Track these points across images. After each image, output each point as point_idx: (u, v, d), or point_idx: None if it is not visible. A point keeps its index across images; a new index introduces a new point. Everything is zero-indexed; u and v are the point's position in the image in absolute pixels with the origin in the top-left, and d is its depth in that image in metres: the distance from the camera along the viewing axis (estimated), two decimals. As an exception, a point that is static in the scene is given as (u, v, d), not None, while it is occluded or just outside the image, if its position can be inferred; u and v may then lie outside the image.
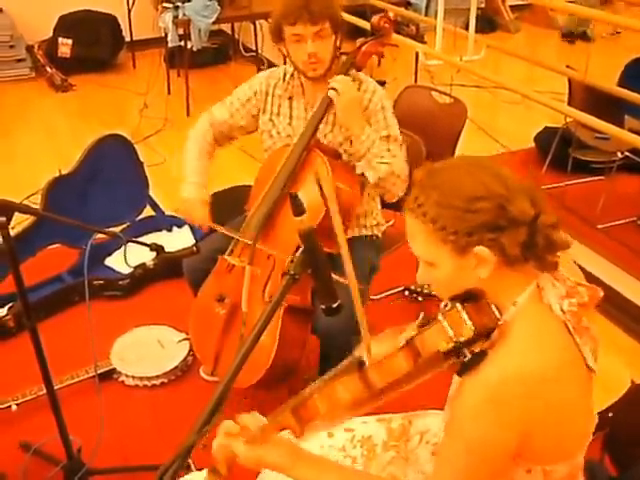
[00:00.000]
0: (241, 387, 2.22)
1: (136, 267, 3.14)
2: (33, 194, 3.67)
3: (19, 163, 4.45)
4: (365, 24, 3.20)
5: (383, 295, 3.12)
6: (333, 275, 1.42)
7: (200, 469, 2.04)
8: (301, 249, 1.39)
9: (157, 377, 2.66)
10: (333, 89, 2.20)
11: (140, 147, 3.73)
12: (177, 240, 3.32)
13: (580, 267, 1.39)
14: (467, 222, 1.19)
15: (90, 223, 2.25)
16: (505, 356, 1.20)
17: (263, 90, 2.42)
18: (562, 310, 1.25)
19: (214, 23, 5.22)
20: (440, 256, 1.24)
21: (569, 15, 6.84)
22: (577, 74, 3.79)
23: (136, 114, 5.00)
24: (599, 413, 1.39)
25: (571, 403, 1.25)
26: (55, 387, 1.98)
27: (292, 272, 1.38)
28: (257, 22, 5.92)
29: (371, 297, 2.78)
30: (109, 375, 2.67)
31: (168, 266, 3.08)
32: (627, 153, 3.76)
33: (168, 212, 3.53)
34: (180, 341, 2.78)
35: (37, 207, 3.06)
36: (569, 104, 3.76)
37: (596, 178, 4.06)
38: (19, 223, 2.96)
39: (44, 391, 1.98)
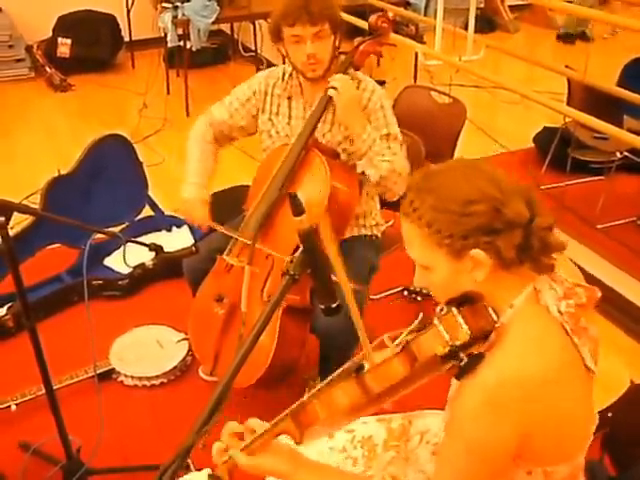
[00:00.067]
0: (240, 387, 2.22)
1: (135, 267, 3.14)
2: (32, 194, 3.67)
3: (18, 163, 4.45)
4: (364, 24, 3.20)
5: (382, 295, 3.12)
6: (332, 276, 1.42)
7: (199, 469, 2.04)
8: (300, 249, 1.39)
9: (156, 377, 2.66)
10: (333, 88, 2.20)
11: (139, 147, 3.73)
12: (176, 240, 3.32)
13: (579, 267, 1.39)
14: (462, 225, 1.20)
15: (90, 223, 2.25)
16: (502, 358, 1.20)
17: (262, 90, 2.42)
18: (559, 311, 1.25)
19: (213, 23, 5.22)
20: (436, 260, 1.25)
21: (567, 15, 6.85)
22: (576, 74, 3.79)
23: (135, 114, 5.00)
24: (599, 413, 1.39)
25: (571, 404, 1.25)
26: (54, 387, 1.98)
27: (292, 272, 1.38)
28: (256, 22, 5.92)
29: (370, 297, 2.78)
30: (108, 375, 2.67)
31: (167, 266, 3.08)
32: (626, 153, 3.76)
33: (167, 212, 3.53)
34: (179, 341, 2.78)
35: (36, 207, 3.05)
36: (568, 104, 3.76)
37: (595, 178, 4.06)
38: (18, 223, 2.96)
39: (43, 391, 1.97)
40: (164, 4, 5.11)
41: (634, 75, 4.16)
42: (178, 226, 3.46)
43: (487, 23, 7.07)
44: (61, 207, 2.93)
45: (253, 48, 6.20)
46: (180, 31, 5.17)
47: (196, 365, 2.71)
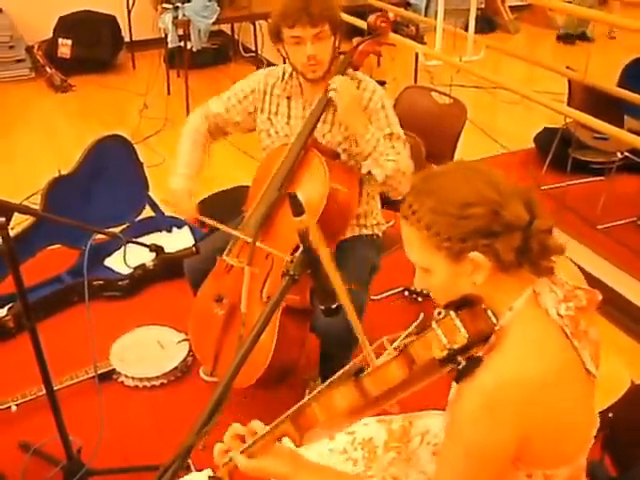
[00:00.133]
0: (240, 387, 2.21)
1: (136, 268, 3.14)
2: (33, 194, 3.67)
3: (19, 163, 4.45)
4: (363, 24, 3.19)
5: (383, 295, 3.12)
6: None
7: (200, 470, 2.04)
8: (300, 249, 1.39)
9: (157, 378, 2.66)
10: (333, 89, 2.20)
11: (140, 147, 3.74)
12: (177, 241, 3.32)
13: (579, 267, 1.39)
14: (460, 228, 1.19)
15: (90, 223, 2.25)
16: (501, 361, 1.20)
17: (261, 89, 2.42)
18: (559, 314, 1.24)
19: (214, 24, 5.22)
20: (435, 262, 1.25)
21: (567, 16, 6.85)
22: (576, 74, 3.79)
23: (136, 114, 5.00)
24: (599, 414, 1.39)
25: (570, 407, 1.25)
26: (55, 388, 1.98)
27: (291, 272, 1.38)
28: (257, 22, 5.92)
29: (371, 297, 2.78)
30: (109, 376, 2.67)
31: (168, 267, 3.08)
32: (627, 153, 3.76)
33: (168, 213, 3.53)
34: (180, 342, 2.78)
35: (37, 208, 3.05)
36: (569, 104, 3.76)
37: (596, 178, 4.06)
38: (19, 224, 2.96)
39: (44, 392, 1.97)
40: (164, 5, 5.11)
41: (634, 75, 4.17)
42: (179, 227, 3.46)
43: (487, 23, 7.08)
44: (61, 207, 2.93)
45: (253, 48, 6.20)
46: (180, 32, 5.17)
47: (197, 366, 2.71)
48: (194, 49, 5.24)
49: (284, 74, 2.40)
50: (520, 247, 1.20)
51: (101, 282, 3.13)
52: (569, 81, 3.85)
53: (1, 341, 2.85)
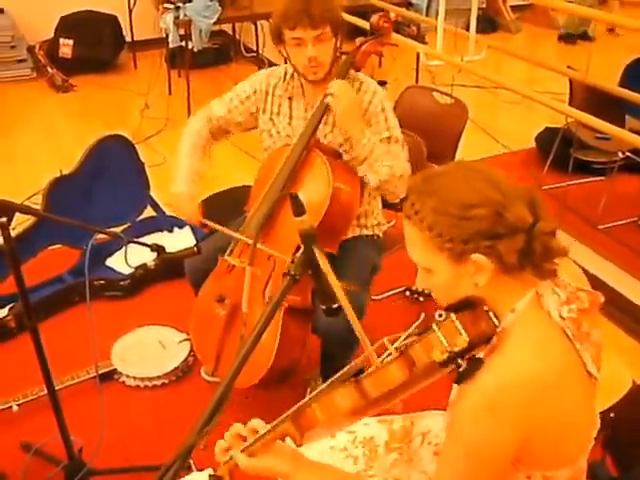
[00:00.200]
0: (242, 387, 2.21)
1: (137, 267, 3.14)
2: (34, 194, 3.67)
3: (20, 163, 4.45)
4: (365, 24, 3.20)
5: (384, 295, 3.12)
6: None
7: (201, 469, 2.04)
8: (302, 249, 1.39)
9: (158, 377, 2.66)
10: (330, 94, 2.19)
11: (141, 147, 3.74)
12: (178, 240, 3.32)
13: (580, 267, 1.39)
14: (463, 229, 1.19)
15: (92, 223, 2.25)
16: (502, 363, 1.20)
17: (263, 90, 2.42)
18: (561, 317, 1.24)
19: (215, 23, 5.23)
20: (437, 263, 1.24)
21: (568, 15, 6.84)
22: (578, 74, 3.79)
23: (137, 114, 5.01)
24: (600, 414, 1.39)
25: (571, 409, 1.25)
26: (56, 387, 1.98)
27: (293, 272, 1.38)
28: (258, 22, 5.92)
29: (372, 297, 2.78)
30: (110, 376, 2.67)
31: (169, 267, 3.08)
32: (628, 153, 3.76)
33: (169, 212, 3.53)
34: (181, 341, 2.78)
35: (38, 208, 3.06)
36: (570, 104, 3.76)
37: (597, 178, 4.06)
38: (20, 224, 2.96)
39: (45, 392, 1.98)
40: (166, 5, 5.12)
41: (636, 75, 4.16)
42: (180, 226, 3.46)
43: (489, 23, 7.07)
44: (63, 207, 2.94)
45: (255, 48, 6.21)
46: (182, 31, 5.17)
47: (198, 366, 2.71)
48: (195, 49, 5.24)
49: (286, 74, 2.40)
50: (523, 249, 1.19)
51: (102, 282, 3.13)
52: (570, 81, 3.85)
53: (2, 341, 2.85)
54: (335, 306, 1.42)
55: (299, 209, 1.35)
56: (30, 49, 5.87)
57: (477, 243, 1.19)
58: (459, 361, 1.19)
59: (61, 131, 4.94)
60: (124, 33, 6.08)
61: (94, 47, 5.91)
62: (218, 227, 2.29)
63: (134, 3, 5.84)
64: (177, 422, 2.42)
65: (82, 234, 2.94)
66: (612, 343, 2.83)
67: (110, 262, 3.27)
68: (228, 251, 2.33)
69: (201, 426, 1.28)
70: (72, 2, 5.83)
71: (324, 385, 1.30)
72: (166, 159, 4.34)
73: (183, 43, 5.22)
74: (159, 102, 5.15)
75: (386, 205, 2.57)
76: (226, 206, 2.58)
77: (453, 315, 1.21)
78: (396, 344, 1.26)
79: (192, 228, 3.38)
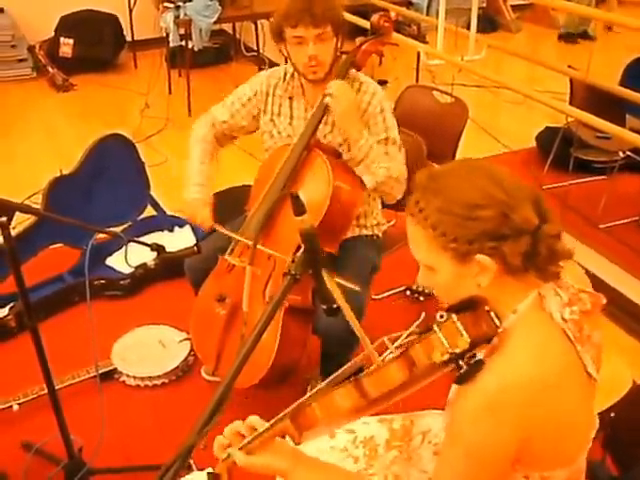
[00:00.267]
0: (242, 387, 2.21)
1: (137, 267, 3.15)
2: (34, 194, 3.67)
3: (20, 163, 4.45)
4: (366, 24, 3.19)
5: (385, 295, 3.12)
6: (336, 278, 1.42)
7: (201, 469, 2.04)
8: (302, 249, 1.39)
9: (158, 377, 2.66)
10: (329, 95, 2.19)
11: (141, 147, 3.73)
12: (178, 240, 3.32)
13: (581, 267, 1.38)
14: (468, 229, 1.18)
15: (92, 222, 2.25)
16: (503, 364, 1.20)
17: (264, 90, 2.42)
18: (563, 318, 1.24)
19: (215, 23, 5.23)
20: (440, 262, 1.24)
21: (568, 15, 6.84)
22: (578, 73, 3.79)
23: (137, 114, 5.01)
24: (600, 413, 1.39)
25: (571, 409, 1.25)
26: (56, 387, 1.98)
27: (293, 272, 1.38)
28: (258, 22, 5.92)
29: (373, 297, 2.78)
30: (110, 375, 2.67)
31: (169, 266, 3.08)
32: (629, 152, 3.76)
33: (169, 212, 3.53)
34: (181, 341, 2.78)
35: (38, 207, 3.05)
36: (570, 103, 3.76)
37: (598, 178, 4.06)
38: (20, 223, 2.96)
39: (45, 391, 1.98)
40: (166, 4, 5.11)
41: (636, 74, 4.15)
42: (180, 226, 3.46)
43: (489, 23, 7.07)
44: (63, 207, 2.93)
45: (255, 48, 6.21)
46: (182, 31, 5.17)
47: (198, 365, 2.71)
48: (195, 48, 5.24)
49: (285, 74, 2.40)
50: (528, 251, 1.19)
51: (102, 281, 3.13)
52: (571, 80, 3.85)
53: (3, 341, 2.85)
54: (335, 306, 1.42)
55: (300, 209, 1.34)
56: (30, 48, 5.87)
57: (482, 244, 1.18)
58: (460, 362, 1.18)
59: (61, 130, 4.94)
60: (124, 32, 6.08)
61: (94, 46, 5.92)
62: (228, 232, 2.29)
63: (134, 2, 5.84)
64: (177, 422, 2.42)
65: (82, 234, 2.94)
66: (613, 343, 2.83)
67: (110, 261, 3.27)
68: (228, 250, 2.33)
69: (201, 426, 1.27)
70: (72, 1, 5.83)
71: (323, 384, 1.30)
72: (167, 159, 4.35)
73: (183, 42, 5.23)
74: (159, 101, 5.15)
75: (386, 205, 2.56)
76: (226, 206, 2.57)
77: (454, 316, 1.20)
78: (397, 343, 1.26)
79: (192, 227, 3.38)
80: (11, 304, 2.90)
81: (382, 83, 2.44)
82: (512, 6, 7.50)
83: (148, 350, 2.76)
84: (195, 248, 1.98)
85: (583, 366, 1.26)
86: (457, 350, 1.18)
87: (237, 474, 1.32)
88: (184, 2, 5.04)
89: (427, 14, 6.15)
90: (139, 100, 5.20)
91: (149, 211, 3.49)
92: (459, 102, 2.96)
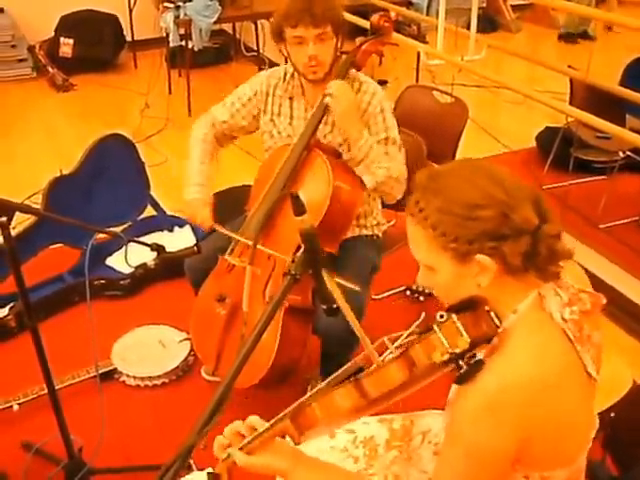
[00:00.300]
0: (242, 387, 2.21)
1: (137, 267, 3.15)
2: (34, 194, 3.67)
3: (20, 163, 4.45)
4: (366, 24, 3.19)
5: (385, 295, 3.12)
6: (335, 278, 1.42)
7: (201, 469, 2.04)
8: (302, 249, 1.39)
9: (158, 377, 2.66)
10: (329, 95, 2.19)
11: (141, 147, 3.74)
12: (178, 240, 3.32)
13: (581, 267, 1.39)
14: (468, 229, 1.18)
15: (92, 222, 2.25)
16: (504, 364, 1.20)
17: (264, 91, 2.42)
18: (563, 319, 1.24)
19: (215, 23, 5.23)
20: (440, 262, 1.23)
21: (568, 15, 6.84)
22: (578, 73, 3.79)
23: (137, 114, 5.01)
24: (600, 413, 1.39)
25: (571, 409, 1.25)
26: (56, 387, 1.98)
27: (293, 272, 1.38)
28: (258, 22, 5.93)
29: (373, 297, 2.78)
30: (110, 375, 2.67)
31: (169, 266, 3.08)
32: (629, 152, 3.76)
33: (169, 212, 3.53)
34: (181, 341, 2.78)
35: (38, 207, 3.05)
36: (570, 103, 3.76)
37: (598, 178, 4.06)
38: (20, 223, 2.96)
39: (45, 391, 1.98)
40: (166, 4, 5.11)
41: (636, 74, 4.16)
42: (180, 226, 3.46)
43: (489, 23, 7.07)
44: (63, 207, 2.93)
45: (255, 48, 6.21)
46: (182, 31, 5.17)
47: (198, 365, 2.71)
48: (195, 48, 5.24)
49: (285, 74, 2.40)
50: (528, 251, 1.18)
51: (102, 281, 3.13)
52: (571, 80, 3.85)
53: (3, 341, 2.85)
54: (335, 306, 1.42)
55: (300, 209, 1.34)
56: (30, 48, 5.88)
57: (482, 244, 1.18)
58: (460, 363, 1.18)
59: (61, 130, 4.94)
60: (124, 32, 6.08)
61: (94, 46, 5.92)
62: (228, 233, 2.28)
63: (134, 2, 5.84)
64: (177, 421, 2.42)
65: (82, 234, 2.94)
66: (613, 343, 2.83)
67: (110, 261, 3.27)
68: (228, 250, 2.33)
69: (201, 426, 1.27)
70: (72, 1, 5.83)
71: (323, 384, 1.30)
72: (167, 159, 4.35)
73: (183, 42, 5.23)
74: (159, 101, 5.15)
75: (386, 205, 2.56)
76: (226, 206, 2.57)
77: (454, 316, 1.20)
78: (396, 343, 1.26)
79: (192, 227, 3.38)
80: (11, 304, 2.90)
81: (382, 83, 2.44)
82: (512, 6, 7.50)
83: (148, 350, 2.76)
84: (195, 248, 1.98)
85: (583, 366, 1.26)
86: (457, 350, 1.18)
87: (237, 474, 1.32)
88: (184, 2, 5.04)
89: (427, 14, 6.15)
90: (139, 100, 5.20)
91: (149, 211, 3.49)
92: (459, 102, 2.96)
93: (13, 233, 1.75)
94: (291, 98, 2.39)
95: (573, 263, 1.33)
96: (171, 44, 5.27)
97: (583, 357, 1.25)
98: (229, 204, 2.57)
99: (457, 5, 5.34)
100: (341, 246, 2.33)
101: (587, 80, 3.66)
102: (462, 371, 1.18)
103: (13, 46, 5.79)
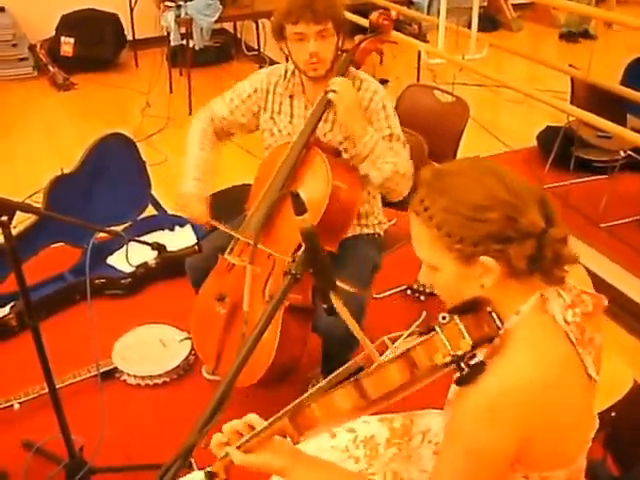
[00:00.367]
0: (242, 386, 2.21)
1: (138, 266, 3.15)
2: (35, 193, 3.67)
3: (21, 162, 4.45)
4: (366, 23, 3.19)
5: (386, 294, 3.12)
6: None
7: (202, 468, 2.04)
8: (302, 248, 1.39)
9: (159, 376, 2.66)
10: (333, 91, 2.19)
11: (142, 146, 3.73)
12: (179, 239, 3.32)
13: (582, 266, 1.38)
14: (473, 231, 1.17)
15: (93, 222, 2.25)
16: (505, 366, 1.19)
17: (264, 88, 2.41)
18: (566, 321, 1.23)
19: (216, 22, 5.22)
20: (444, 262, 1.22)
21: (569, 14, 6.83)
22: (579, 73, 3.78)
23: (138, 113, 5.01)
24: (601, 413, 1.38)
25: (571, 411, 1.25)
26: (57, 386, 1.98)
27: (293, 271, 1.38)
28: (259, 21, 5.93)
29: (374, 296, 2.78)
30: (111, 374, 2.67)
31: (170, 265, 3.08)
32: (630, 152, 3.76)
33: (170, 211, 3.53)
34: (182, 340, 2.78)
35: (39, 206, 3.05)
36: (572, 103, 3.75)
37: (599, 177, 4.05)
38: (21, 222, 2.96)
39: (46, 390, 1.98)
40: (167, 3, 5.11)
41: (637, 74, 4.15)
42: (181, 225, 3.46)
43: (490, 22, 7.06)
44: (64, 206, 2.93)
45: (256, 47, 6.21)
46: (183, 30, 5.17)
47: (199, 364, 2.71)
48: (196, 47, 5.24)
49: (286, 72, 2.40)
50: (533, 255, 1.17)
51: (103, 280, 3.13)
52: (572, 79, 3.84)
53: (4, 340, 2.86)
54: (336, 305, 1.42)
55: (300, 208, 1.34)
56: (31, 47, 5.88)
57: (487, 246, 1.17)
58: (462, 364, 1.18)
59: (62, 130, 4.94)
60: (125, 32, 6.08)
61: (95, 46, 5.91)
62: (224, 228, 2.28)
63: (135, 2, 5.84)
64: (178, 421, 2.42)
65: (83, 233, 2.94)
66: (613, 342, 2.83)
67: (111, 261, 3.27)
68: (228, 250, 2.33)
69: (202, 425, 1.27)
70: (73, 0, 5.83)
71: (323, 383, 1.30)
72: (167, 158, 4.35)
73: (184, 41, 5.22)
74: (160, 101, 5.15)
75: (387, 204, 2.56)
76: (226, 204, 2.58)
77: (457, 318, 1.19)
78: (397, 343, 1.26)
79: (193, 227, 3.38)
80: (12, 303, 2.90)
81: (383, 82, 2.44)
82: (513, 5, 7.49)
83: (149, 349, 2.76)
84: (196, 247, 1.98)
85: (584, 368, 1.25)
86: (459, 352, 1.17)
87: (235, 473, 1.32)
88: (185, 1, 5.03)
89: (428, 13, 6.15)
90: (140, 99, 5.20)
91: (150, 210, 3.49)
92: (460, 101, 2.96)
93: (14, 232, 1.75)
94: (291, 96, 2.39)
95: (577, 265, 1.32)
96: (172, 43, 5.27)
97: (584, 359, 1.25)
98: (229, 203, 2.57)
99: (458, 4, 5.32)
100: (342, 245, 2.33)
101: (588, 79, 3.65)
102: (463, 373, 1.18)
103: (14, 45, 5.79)
